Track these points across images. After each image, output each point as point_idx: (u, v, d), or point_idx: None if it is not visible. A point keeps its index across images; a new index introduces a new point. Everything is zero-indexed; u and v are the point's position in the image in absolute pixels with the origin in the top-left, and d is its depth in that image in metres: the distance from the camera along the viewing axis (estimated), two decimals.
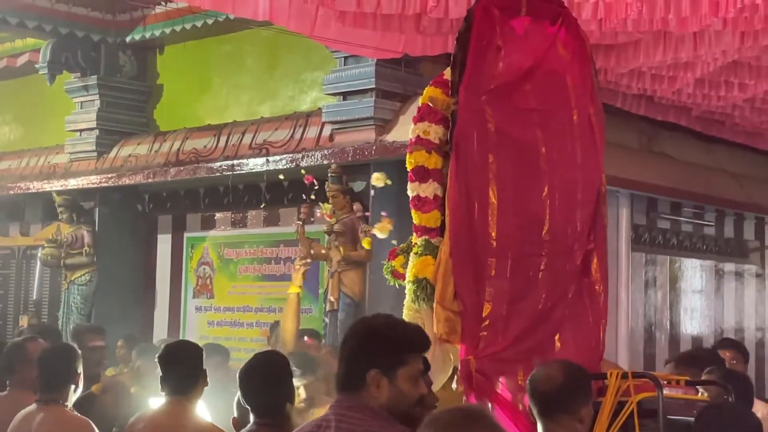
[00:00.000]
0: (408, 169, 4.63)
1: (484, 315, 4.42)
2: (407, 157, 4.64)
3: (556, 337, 4.51)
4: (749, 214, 12.78)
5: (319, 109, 10.19)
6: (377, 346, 3.49)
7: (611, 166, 9.79)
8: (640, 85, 9.35)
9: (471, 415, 2.64)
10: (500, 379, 4.40)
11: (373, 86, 9.64)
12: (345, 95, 9.89)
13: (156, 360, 5.31)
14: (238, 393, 5.03)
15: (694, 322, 12.17)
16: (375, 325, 3.55)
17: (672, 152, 11.60)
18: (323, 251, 9.88)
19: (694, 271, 12.30)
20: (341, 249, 9.68)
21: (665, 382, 4.39)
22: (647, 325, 11.50)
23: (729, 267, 12.78)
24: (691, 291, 12.24)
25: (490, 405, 4.36)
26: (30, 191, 12.62)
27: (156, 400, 5.46)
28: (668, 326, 11.79)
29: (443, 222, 4.56)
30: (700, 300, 12.34)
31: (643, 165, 10.95)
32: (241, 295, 11.26)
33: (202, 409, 5.40)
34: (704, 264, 12.42)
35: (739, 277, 12.90)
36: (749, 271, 13.03)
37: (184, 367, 5.20)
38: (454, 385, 4.61)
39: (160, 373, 5.23)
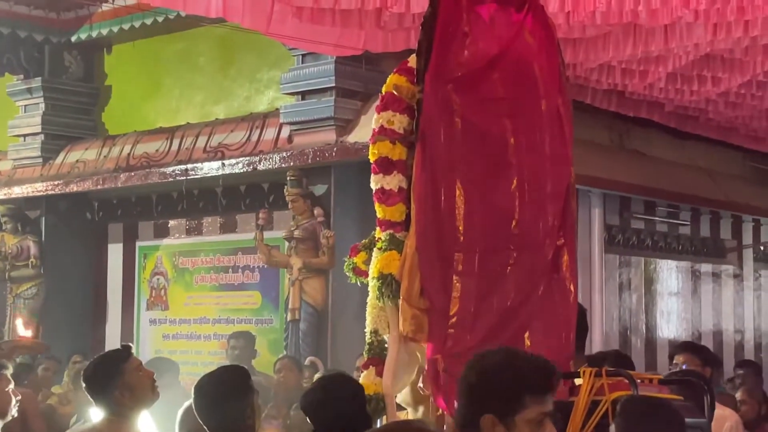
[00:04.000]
0: (371, 161, 4.69)
1: (451, 312, 4.47)
2: (370, 147, 4.70)
3: (526, 335, 4.57)
4: (725, 213, 12.94)
5: (277, 109, 10.23)
6: (492, 387, 3.25)
7: (582, 165, 9.91)
8: (610, 80, 9.47)
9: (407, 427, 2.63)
10: None
11: (333, 85, 9.71)
12: (303, 95, 9.95)
13: (81, 381, 5.14)
14: (183, 407, 5.05)
15: (671, 325, 12.31)
16: (491, 363, 3.29)
17: (645, 149, 11.75)
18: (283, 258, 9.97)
19: (669, 273, 12.44)
20: (302, 256, 9.75)
21: (639, 381, 4.47)
22: (622, 329, 11.62)
23: (706, 268, 12.93)
24: (667, 293, 12.39)
25: (457, 405, 4.41)
26: None
27: (95, 412, 5.35)
28: (644, 330, 11.92)
29: (408, 216, 4.61)
30: (676, 302, 12.49)
31: (615, 163, 11.07)
32: (198, 306, 11.27)
33: (148, 425, 5.32)
34: (680, 265, 12.57)
35: (717, 278, 13.06)
36: (726, 271, 13.19)
37: (102, 379, 5.00)
38: (420, 385, 4.67)
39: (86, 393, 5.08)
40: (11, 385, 5.80)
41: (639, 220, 11.91)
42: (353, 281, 4.95)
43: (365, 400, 4.58)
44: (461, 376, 3.35)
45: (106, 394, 4.98)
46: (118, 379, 4.97)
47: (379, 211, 4.66)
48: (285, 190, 9.83)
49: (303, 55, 9.82)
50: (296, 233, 9.80)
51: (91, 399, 5.10)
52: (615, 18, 7.63)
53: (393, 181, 4.63)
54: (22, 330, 9.78)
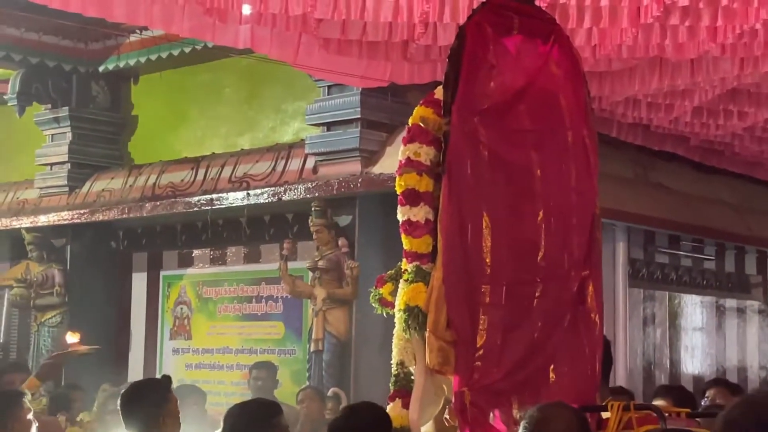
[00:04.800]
0: (398, 193, 4.69)
1: (478, 345, 4.45)
2: (397, 179, 4.70)
3: (551, 367, 4.56)
4: (750, 248, 12.87)
5: (302, 140, 10.26)
6: None
7: (606, 198, 9.88)
8: (635, 113, 9.46)
9: None
10: (494, 412, 4.45)
11: (359, 116, 9.73)
12: (329, 126, 9.97)
13: (118, 399, 5.24)
14: None
15: (695, 360, 12.24)
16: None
17: (669, 183, 11.71)
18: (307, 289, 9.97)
19: (694, 308, 12.38)
20: (326, 286, 9.75)
21: (667, 414, 4.44)
22: (646, 364, 11.55)
23: (730, 303, 12.87)
24: (692, 328, 12.32)
25: None
26: None
27: None
28: (668, 365, 11.84)
29: (435, 247, 4.61)
30: (700, 337, 12.42)
31: (639, 196, 11.04)
32: (221, 335, 11.27)
33: None
34: (704, 300, 12.51)
35: (741, 314, 12.98)
36: (751, 307, 13.11)
37: (146, 404, 5.11)
38: (446, 417, 4.65)
39: (122, 415, 5.15)
40: (31, 414, 5.91)
41: (663, 254, 11.86)
42: (379, 312, 4.94)
43: (391, 428, 4.56)
44: (727, 420, 2.85)
45: (146, 419, 5.06)
46: (164, 407, 5.11)
47: (406, 242, 4.66)
48: (309, 221, 9.84)
49: (329, 87, 9.85)
50: (320, 264, 9.80)
51: (124, 423, 5.14)
52: (641, 52, 7.63)
53: (420, 213, 4.63)
54: (71, 338, 9.65)
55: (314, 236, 9.86)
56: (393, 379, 4.79)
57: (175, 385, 9.99)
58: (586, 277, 4.65)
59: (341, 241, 9.79)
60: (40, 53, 11.65)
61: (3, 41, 11.26)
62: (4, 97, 12.14)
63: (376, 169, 9.59)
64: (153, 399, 5.14)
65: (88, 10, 7.26)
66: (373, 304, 4.91)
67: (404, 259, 4.69)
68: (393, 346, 4.74)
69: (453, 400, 4.55)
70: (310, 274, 9.95)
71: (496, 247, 4.51)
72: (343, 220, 9.91)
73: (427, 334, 4.50)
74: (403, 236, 4.67)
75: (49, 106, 12.26)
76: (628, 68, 8.32)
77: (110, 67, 11.83)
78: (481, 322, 4.46)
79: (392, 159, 9.27)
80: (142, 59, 11.39)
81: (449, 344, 4.45)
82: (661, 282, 11.84)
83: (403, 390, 4.71)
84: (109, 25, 9.86)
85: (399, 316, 4.61)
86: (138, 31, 10.97)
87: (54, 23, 10.80)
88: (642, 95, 9.02)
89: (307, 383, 9.77)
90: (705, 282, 12.38)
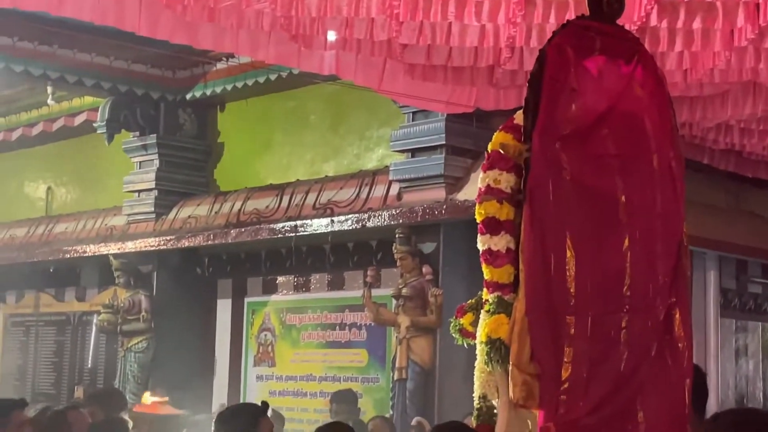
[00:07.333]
0: (478, 221, 4.58)
1: (563, 378, 4.28)
2: (477, 207, 4.58)
3: (638, 401, 4.39)
4: None
5: (386, 167, 10.21)
6: None
7: (697, 227, 9.69)
8: (728, 139, 9.24)
9: None
10: None
11: (444, 142, 9.65)
12: (413, 152, 9.91)
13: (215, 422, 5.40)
14: None
15: None
16: None
17: (762, 211, 11.44)
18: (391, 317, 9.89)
19: None
20: (410, 314, 9.65)
21: None
22: (738, 396, 11.26)
23: None
24: None
25: None
26: (86, 254, 12.78)
27: None
28: (761, 398, 11.54)
29: (516, 277, 4.48)
30: None
31: (731, 225, 10.79)
32: (304, 363, 11.25)
33: None
34: None
35: None
36: None
37: (239, 427, 5.25)
38: None
39: None
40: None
41: (756, 284, 11.58)
42: (460, 343, 4.83)
43: None
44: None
45: None
46: (257, 428, 5.30)
47: (486, 272, 4.52)
48: (393, 248, 9.77)
49: (413, 113, 9.80)
50: (404, 291, 9.72)
51: None
52: (734, 76, 7.44)
53: (500, 242, 4.49)
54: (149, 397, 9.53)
55: (398, 263, 9.78)
56: (475, 413, 4.66)
57: None
58: (673, 305, 4.46)
59: (425, 269, 9.70)
60: (129, 81, 11.81)
61: (93, 69, 11.43)
62: (94, 125, 12.31)
63: (461, 196, 9.49)
64: (246, 422, 5.29)
65: (175, 37, 7.30)
66: (453, 335, 4.79)
67: (485, 289, 4.56)
68: (475, 379, 4.61)
69: None
70: (394, 301, 9.86)
71: (581, 277, 4.33)
72: (428, 247, 9.82)
73: (510, 368, 4.35)
74: (483, 266, 4.52)
75: (137, 133, 12.40)
76: (720, 93, 8.12)
77: (197, 94, 11.94)
78: (566, 354, 4.29)
79: (477, 186, 9.16)
80: (229, 87, 11.48)
81: (533, 378, 4.29)
82: (753, 312, 11.56)
83: (487, 425, 4.58)
84: (196, 53, 9.93)
85: (480, 349, 4.46)
86: (224, 59, 11.05)
87: (142, 52, 10.91)
88: (734, 121, 8.79)
89: (391, 412, 9.68)
90: None
